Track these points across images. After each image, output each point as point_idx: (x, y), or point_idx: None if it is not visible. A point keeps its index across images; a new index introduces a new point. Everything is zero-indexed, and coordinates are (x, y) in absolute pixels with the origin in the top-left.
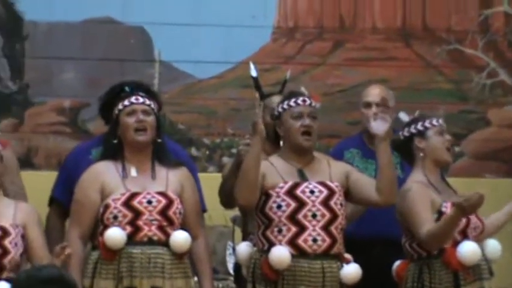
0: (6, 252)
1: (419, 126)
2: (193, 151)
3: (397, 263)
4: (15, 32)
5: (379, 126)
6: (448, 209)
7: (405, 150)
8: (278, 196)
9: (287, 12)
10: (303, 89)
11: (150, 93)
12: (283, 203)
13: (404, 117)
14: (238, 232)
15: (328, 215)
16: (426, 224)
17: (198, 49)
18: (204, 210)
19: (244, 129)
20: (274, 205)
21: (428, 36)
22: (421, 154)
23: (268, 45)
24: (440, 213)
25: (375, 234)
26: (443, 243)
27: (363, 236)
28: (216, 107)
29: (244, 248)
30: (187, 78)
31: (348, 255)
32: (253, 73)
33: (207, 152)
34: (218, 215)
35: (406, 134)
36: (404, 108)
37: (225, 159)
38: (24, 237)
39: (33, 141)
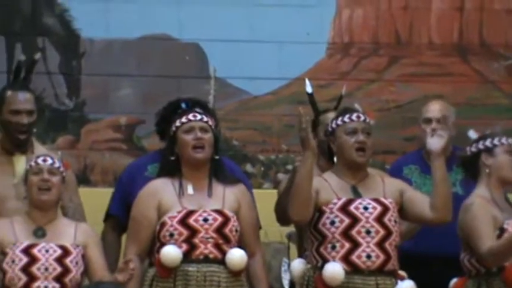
0: (67, 270)
1: (488, 143)
2: (248, 167)
3: (455, 280)
4: (72, 49)
5: (435, 142)
6: (510, 226)
7: (471, 166)
8: (331, 212)
9: (342, 28)
10: (356, 106)
11: (206, 110)
12: (336, 219)
13: (473, 135)
14: (293, 248)
15: (382, 232)
16: (487, 240)
17: (253, 65)
18: (259, 227)
19: (299, 145)
20: (328, 221)
21: (486, 52)
22: (487, 170)
23: (323, 61)
24: (502, 231)
25: (434, 251)
26: (504, 262)
27: (422, 252)
28: (271, 123)
29: (297, 264)
30: (242, 95)
31: (402, 272)
32: (309, 89)
33: (262, 169)
34: (273, 231)
35: (473, 149)
36: (460, 124)
37: (280, 176)
38: (84, 257)
39: (90, 158)
